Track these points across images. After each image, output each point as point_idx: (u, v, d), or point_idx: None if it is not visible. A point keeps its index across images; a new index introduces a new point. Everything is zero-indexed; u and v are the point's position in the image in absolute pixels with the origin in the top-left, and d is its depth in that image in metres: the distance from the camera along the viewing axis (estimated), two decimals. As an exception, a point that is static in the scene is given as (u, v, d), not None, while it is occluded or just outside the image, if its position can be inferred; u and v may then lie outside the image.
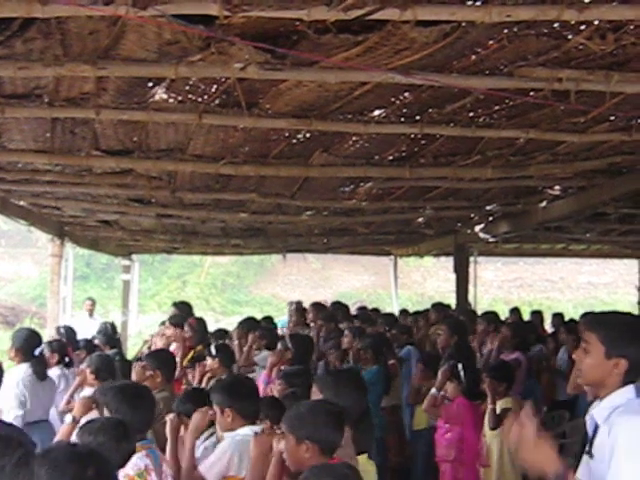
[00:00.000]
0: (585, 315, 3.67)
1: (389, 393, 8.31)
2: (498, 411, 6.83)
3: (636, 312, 12.99)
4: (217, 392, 5.27)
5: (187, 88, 6.21)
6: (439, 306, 11.96)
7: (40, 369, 7.37)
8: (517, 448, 3.25)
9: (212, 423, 5.35)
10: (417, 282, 36.57)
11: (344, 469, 3.57)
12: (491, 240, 14.05)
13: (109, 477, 3.36)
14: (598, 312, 3.53)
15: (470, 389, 6.91)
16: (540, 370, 9.73)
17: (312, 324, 11.23)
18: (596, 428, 3.41)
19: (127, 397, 4.76)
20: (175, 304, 11.05)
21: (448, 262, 17.49)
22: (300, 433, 4.03)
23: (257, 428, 4.97)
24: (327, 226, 14.04)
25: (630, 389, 3.41)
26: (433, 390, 7.18)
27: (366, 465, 4.71)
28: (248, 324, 9.78)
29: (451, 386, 6.99)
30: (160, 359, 6.87)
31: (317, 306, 11.89)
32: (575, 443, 7.93)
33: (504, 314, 13.54)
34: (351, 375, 5.50)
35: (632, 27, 4.84)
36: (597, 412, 3.42)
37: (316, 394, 5.00)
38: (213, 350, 7.38)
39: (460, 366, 6.97)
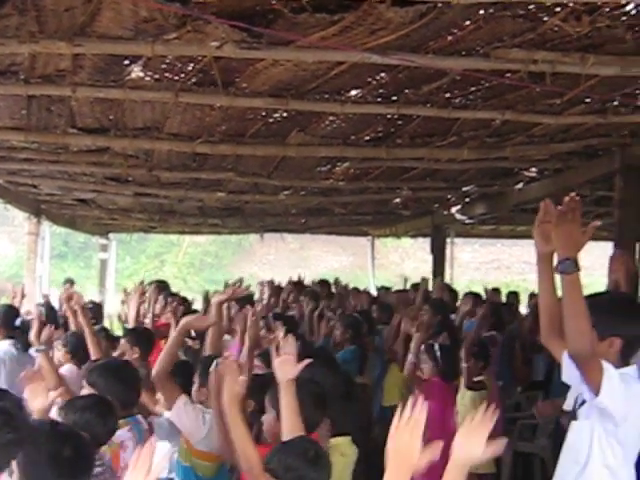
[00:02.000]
0: None
1: (363, 373, 8.31)
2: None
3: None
4: None
5: (163, 66, 6.20)
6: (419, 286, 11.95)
7: (23, 340, 7.27)
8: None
9: None
10: (395, 263, 36.62)
11: (305, 443, 3.55)
12: (468, 221, 14.10)
13: (87, 457, 3.38)
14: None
15: (446, 370, 6.94)
16: (514, 350, 9.77)
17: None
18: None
19: (113, 373, 4.77)
20: (152, 283, 11.00)
21: (426, 243, 17.54)
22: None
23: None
24: (304, 206, 14.05)
25: (634, 368, 3.49)
26: (410, 357, 7.10)
27: (345, 448, 4.50)
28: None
29: (427, 366, 7.01)
30: (139, 336, 6.86)
31: (299, 285, 11.86)
32: (549, 423, 8.03)
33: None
34: (317, 354, 5.46)
35: (607, 9, 4.86)
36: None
37: None
38: None
39: (437, 346, 6.99)
